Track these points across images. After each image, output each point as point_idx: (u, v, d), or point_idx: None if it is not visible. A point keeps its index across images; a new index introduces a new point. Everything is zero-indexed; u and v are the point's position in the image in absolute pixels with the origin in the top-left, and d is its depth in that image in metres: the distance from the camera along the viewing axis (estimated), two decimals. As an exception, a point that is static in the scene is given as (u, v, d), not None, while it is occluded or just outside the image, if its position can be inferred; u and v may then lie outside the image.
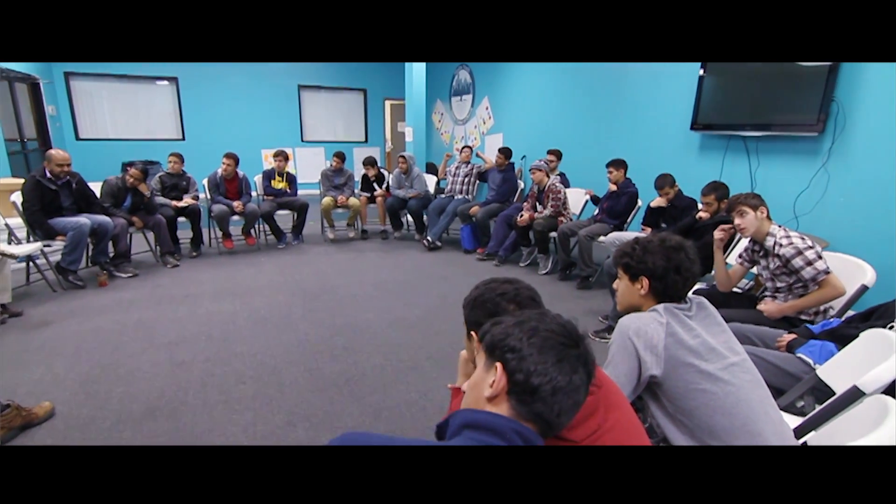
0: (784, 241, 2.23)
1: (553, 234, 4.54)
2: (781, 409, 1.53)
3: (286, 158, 5.47)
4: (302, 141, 9.41)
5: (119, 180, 4.36)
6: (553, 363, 0.73)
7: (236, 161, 5.08)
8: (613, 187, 4.30)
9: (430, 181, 6.16)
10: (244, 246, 5.33)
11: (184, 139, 8.42)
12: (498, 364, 0.76)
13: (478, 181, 5.79)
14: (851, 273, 2.21)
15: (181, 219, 4.85)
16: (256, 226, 5.42)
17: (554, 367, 0.73)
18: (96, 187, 4.30)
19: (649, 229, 3.88)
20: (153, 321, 3.32)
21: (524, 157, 6.52)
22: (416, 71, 6.97)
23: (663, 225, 3.82)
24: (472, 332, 1.02)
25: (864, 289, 2.17)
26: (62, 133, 7.66)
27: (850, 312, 2.14)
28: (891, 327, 1.61)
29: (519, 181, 5.63)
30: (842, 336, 1.75)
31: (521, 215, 4.69)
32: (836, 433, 1.22)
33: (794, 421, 1.42)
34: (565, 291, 4.20)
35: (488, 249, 5.11)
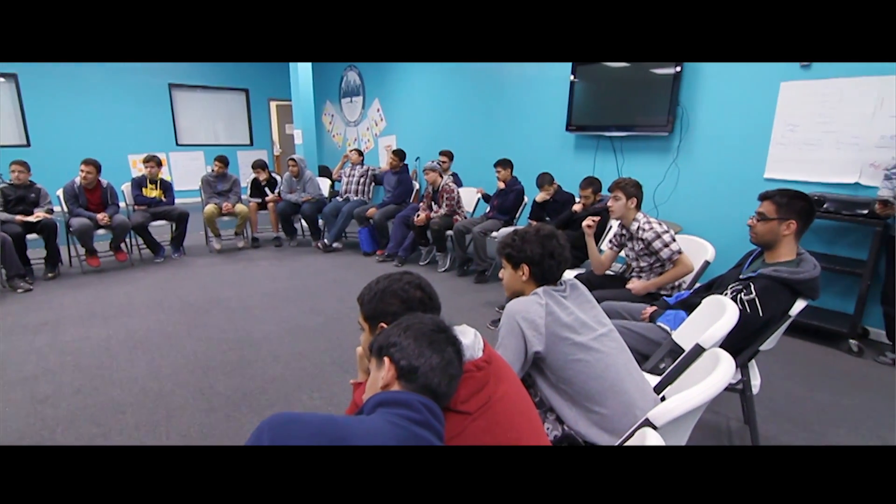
0: (646, 227, 2.56)
1: (449, 232, 4.70)
2: (648, 372, 1.78)
3: (159, 164, 5.01)
4: (177, 145, 8.64)
5: (-56, 194, 3.69)
6: (426, 346, 0.91)
7: (98, 168, 4.54)
8: (502, 185, 4.57)
9: (324, 184, 6.02)
10: (114, 263, 4.79)
11: (29, 145, 7.31)
12: (385, 358, 0.91)
13: (373, 183, 5.79)
14: (697, 251, 2.59)
15: (32, 236, 4.22)
16: (128, 239, 4.89)
17: (428, 349, 0.91)
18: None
19: (536, 223, 4.18)
20: (3, 355, 2.86)
21: (418, 158, 6.64)
22: (302, 71, 6.76)
23: (547, 218, 4.14)
24: (383, 324, 1.09)
25: (706, 264, 2.57)
26: None
27: (698, 284, 2.51)
28: (724, 293, 1.93)
29: (414, 182, 5.72)
30: (690, 305, 2.06)
31: (418, 215, 4.79)
32: (684, 384, 1.44)
33: (656, 380, 1.65)
34: (464, 286, 4.37)
35: (388, 250, 5.14)
